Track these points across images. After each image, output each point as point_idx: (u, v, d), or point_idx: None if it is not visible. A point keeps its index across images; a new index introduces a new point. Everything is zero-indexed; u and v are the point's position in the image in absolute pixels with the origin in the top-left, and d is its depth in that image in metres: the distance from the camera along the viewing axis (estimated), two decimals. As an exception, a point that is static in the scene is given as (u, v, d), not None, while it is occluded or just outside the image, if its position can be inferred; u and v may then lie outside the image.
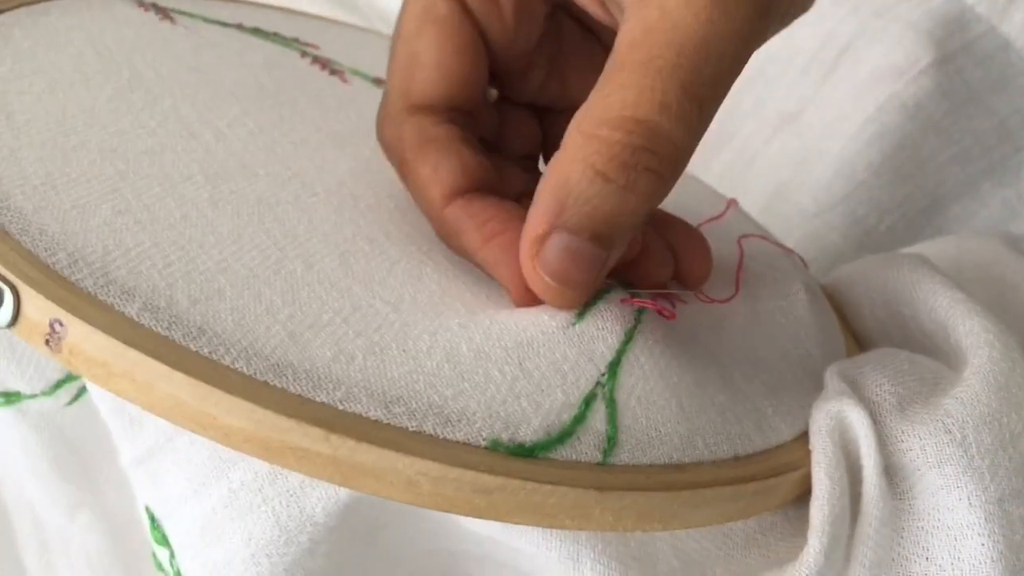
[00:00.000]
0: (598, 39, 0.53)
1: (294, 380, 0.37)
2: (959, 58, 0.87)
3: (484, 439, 0.38)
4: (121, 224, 0.42)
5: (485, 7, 0.50)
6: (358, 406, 0.37)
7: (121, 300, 0.38)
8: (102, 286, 0.38)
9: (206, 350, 0.37)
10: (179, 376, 0.36)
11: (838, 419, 0.46)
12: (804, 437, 0.46)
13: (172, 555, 0.46)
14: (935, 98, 0.86)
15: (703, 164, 0.90)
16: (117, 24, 0.57)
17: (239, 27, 0.63)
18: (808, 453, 0.45)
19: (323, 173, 0.51)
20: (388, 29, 0.51)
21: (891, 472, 0.45)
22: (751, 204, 0.83)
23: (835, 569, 0.44)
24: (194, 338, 0.38)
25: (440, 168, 0.48)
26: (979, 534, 0.44)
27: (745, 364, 0.49)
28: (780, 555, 0.45)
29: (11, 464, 0.56)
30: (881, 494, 0.44)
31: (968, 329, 0.50)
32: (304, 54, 0.63)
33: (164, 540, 0.46)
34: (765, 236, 0.62)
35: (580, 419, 0.40)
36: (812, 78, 0.91)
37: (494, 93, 0.54)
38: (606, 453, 0.40)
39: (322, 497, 0.43)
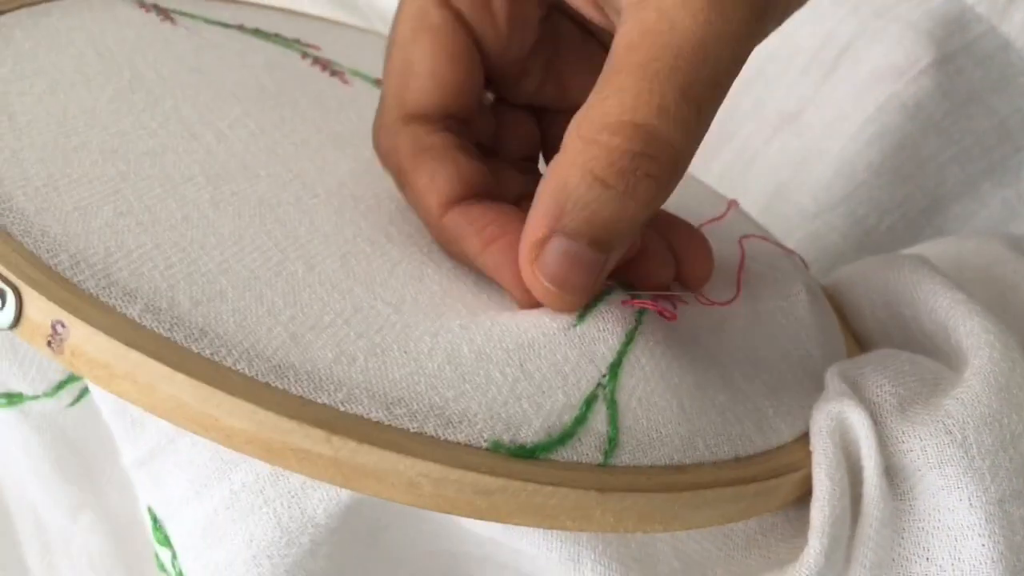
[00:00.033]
0: (596, 39, 0.53)
1: (296, 382, 0.37)
2: (959, 58, 0.87)
3: (485, 440, 0.38)
4: (123, 225, 0.42)
5: (478, 15, 0.49)
6: (360, 407, 0.37)
7: (123, 302, 0.38)
8: (104, 287, 0.38)
9: (208, 351, 0.37)
10: (181, 377, 0.36)
11: (839, 420, 0.46)
12: (805, 438, 0.47)
13: (174, 556, 0.46)
14: (935, 98, 0.87)
15: (703, 164, 0.90)
16: (118, 25, 0.57)
17: (240, 28, 0.63)
18: (809, 454, 0.45)
19: (324, 174, 0.51)
20: (388, 29, 0.51)
21: (892, 473, 0.45)
22: (751, 204, 0.83)
23: (836, 570, 0.44)
24: (196, 339, 0.38)
25: (437, 177, 0.48)
26: (980, 535, 0.44)
27: (746, 365, 0.49)
28: (781, 556, 0.45)
29: (13, 465, 0.56)
30: (882, 495, 0.44)
31: (968, 330, 0.50)
32: (305, 55, 0.63)
33: (166, 541, 0.46)
34: (766, 237, 0.62)
35: (581, 420, 0.40)
36: (812, 78, 0.91)
37: (490, 97, 0.54)
38: (607, 454, 0.40)
39: (323, 498, 0.43)
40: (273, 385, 0.37)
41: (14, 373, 0.50)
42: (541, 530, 0.43)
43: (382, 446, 0.36)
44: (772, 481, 0.44)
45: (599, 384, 0.42)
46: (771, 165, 0.89)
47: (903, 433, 0.45)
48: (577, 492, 0.38)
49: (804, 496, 0.45)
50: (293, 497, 0.43)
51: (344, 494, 0.43)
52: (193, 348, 0.37)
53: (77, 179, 0.43)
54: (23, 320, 0.38)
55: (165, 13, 0.60)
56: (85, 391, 0.52)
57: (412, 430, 0.38)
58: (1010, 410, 0.46)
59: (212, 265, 0.41)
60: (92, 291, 0.38)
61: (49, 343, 0.37)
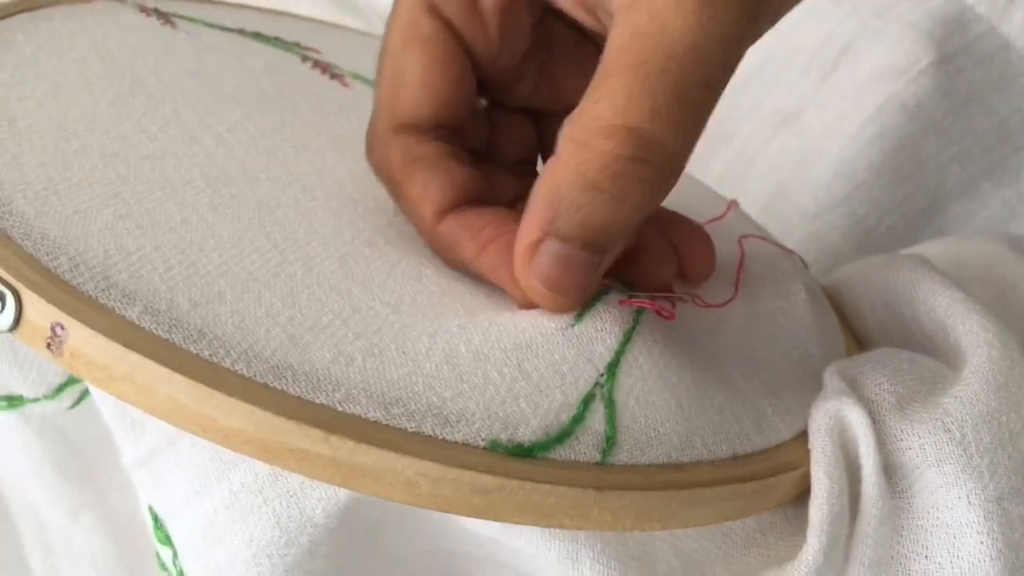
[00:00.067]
0: (590, 41, 0.53)
1: (294, 382, 0.38)
2: (959, 58, 0.87)
3: (483, 440, 0.38)
4: (122, 228, 0.42)
5: (469, 24, 0.49)
6: (357, 407, 0.38)
7: (122, 304, 0.38)
8: (103, 290, 0.39)
9: (206, 352, 0.38)
10: (179, 379, 0.36)
11: (837, 418, 0.46)
12: (803, 436, 0.47)
13: (175, 555, 0.46)
14: (935, 98, 0.87)
15: (703, 164, 0.90)
16: (119, 29, 0.57)
17: (240, 32, 0.63)
18: (807, 452, 0.45)
19: (323, 177, 0.51)
20: (387, 32, 0.51)
21: (890, 471, 0.46)
22: (751, 204, 0.83)
23: (834, 568, 0.44)
24: (194, 341, 0.38)
25: (429, 186, 0.48)
26: (978, 532, 0.44)
27: (744, 364, 0.49)
28: (780, 554, 0.46)
29: (14, 468, 0.56)
30: (880, 493, 0.44)
31: (967, 328, 0.50)
32: (305, 58, 0.63)
33: (167, 540, 0.46)
34: (765, 237, 0.62)
35: (579, 419, 0.40)
36: (812, 78, 0.91)
37: (483, 102, 0.54)
38: (605, 453, 0.40)
39: (322, 498, 0.43)
40: (271, 385, 0.37)
41: (14, 376, 0.51)
42: (539, 529, 0.43)
43: (380, 445, 0.36)
44: (770, 479, 0.44)
45: (597, 383, 0.42)
46: (771, 165, 0.89)
47: (902, 431, 0.46)
48: (575, 491, 0.38)
49: (803, 494, 0.45)
50: (292, 497, 0.43)
51: (342, 494, 0.43)
52: (192, 349, 0.38)
53: (77, 183, 0.44)
54: (23, 322, 0.38)
55: (166, 17, 0.61)
56: (85, 393, 0.52)
57: (410, 429, 0.38)
58: (1009, 408, 0.46)
59: (211, 267, 0.41)
60: (91, 293, 0.38)
61: (48, 345, 0.37)
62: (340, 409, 0.37)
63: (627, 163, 0.42)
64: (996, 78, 0.88)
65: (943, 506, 0.45)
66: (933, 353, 0.52)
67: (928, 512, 0.45)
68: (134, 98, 0.51)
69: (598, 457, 0.40)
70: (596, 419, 0.41)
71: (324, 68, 0.63)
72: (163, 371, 0.36)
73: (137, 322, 0.38)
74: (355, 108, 0.58)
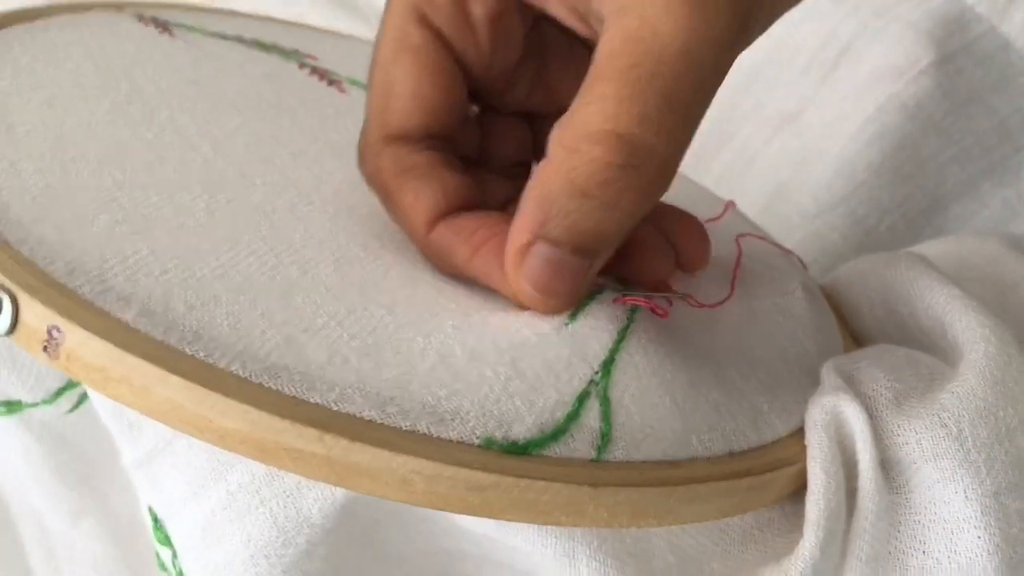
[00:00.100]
0: (584, 44, 0.52)
1: (289, 382, 0.38)
2: (959, 58, 0.87)
3: (478, 437, 0.38)
4: (119, 233, 0.42)
5: (460, 34, 0.49)
6: (352, 407, 0.38)
7: (118, 306, 0.39)
8: (99, 293, 0.39)
9: (202, 354, 0.38)
10: (175, 380, 0.36)
11: (834, 414, 0.46)
12: (800, 433, 0.47)
13: (175, 555, 0.47)
14: (935, 98, 0.87)
15: (703, 165, 0.90)
16: (117, 39, 0.57)
17: (239, 40, 0.63)
18: (804, 448, 0.46)
19: (320, 182, 0.51)
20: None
21: (887, 466, 0.46)
22: (751, 204, 0.83)
23: (831, 563, 0.44)
24: (190, 343, 0.38)
25: (422, 195, 0.48)
26: (975, 527, 0.44)
27: (741, 361, 0.49)
28: (777, 550, 0.46)
29: (15, 473, 0.56)
30: (877, 488, 0.44)
31: (965, 325, 0.50)
32: (303, 65, 0.63)
33: (167, 540, 0.47)
34: (763, 236, 0.62)
35: (574, 416, 0.41)
36: (812, 78, 0.91)
37: (475, 109, 0.54)
38: (600, 450, 0.40)
39: (318, 498, 0.43)
40: (267, 386, 0.37)
41: (12, 381, 0.51)
42: (536, 527, 0.43)
43: (374, 444, 0.37)
44: (766, 475, 0.44)
45: (592, 381, 0.42)
46: (771, 165, 0.89)
47: (899, 427, 0.46)
48: (570, 487, 0.38)
49: (800, 491, 0.45)
50: (288, 497, 0.43)
51: (338, 493, 0.43)
52: (187, 351, 0.38)
53: (74, 189, 0.44)
54: (19, 326, 0.38)
55: (164, 26, 0.61)
56: (84, 397, 0.52)
57: (405, 428, 0.38)
58: (1006, 403, 0.46)
59: (207, 270, 0.42)
60: (87, 296, 0.39)
61: (45, 348, 0.38)
62: (335, 408, 0.38)
63: (616, 170, 0.42)
64: (996, 78, 0.88)
65: (940, 501, 0.45)
66: (931, 350, 0.52)
67: (925, 507, 0.45)
68: (131, 106, 0.52)
69: (593, 454, 0.40)
70: (591, 416, 0.41)
71: (322, 74, 0.63)
72: (159, 372, 0.37)
73: (133, 324, 0.38)
74: (352, 114, 0.58)
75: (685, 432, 0.43)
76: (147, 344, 0.38)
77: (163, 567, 0.48)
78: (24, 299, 0.38)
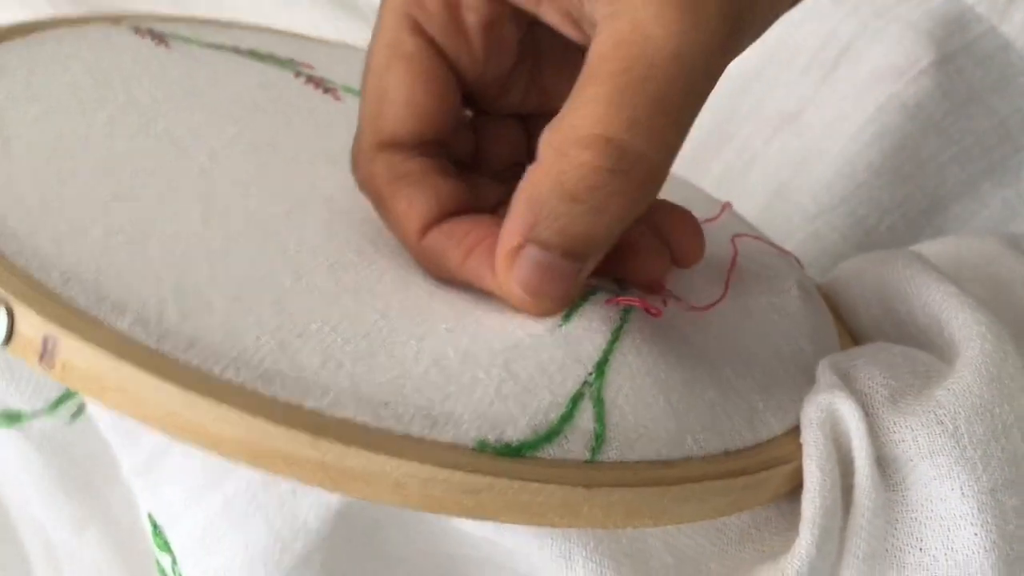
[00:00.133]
0: (579, 47, 0.52)
1: (283, 388, 0.38)
2: (959, 58, 0.87)
3: (471, 440, 0.39)
4: (113, 243, 0.42)
5: (453, 41, 0.49)
6: (346, 411, 0.38)
7: (113, 315, 0.39)
8: (94, 302, 0.39)
9: (196, 361, 0.38)
10: (170, 387, 0.37)
11: (829, 411, 0.46)
12: (796, 431, 0.47)
13: (174, 561, 0.47)
14: (935, 98, 0.87)
15: (703, 165, 0.90)
16: (113, 52, 0.58)
17: (235, 50, 0.63)
18: (799, 447, 0.46)
19: (314, 189, 0.51)
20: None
21: (884, 463, 0.46)
22: (751, 205, 0.83)
23: (828, 561, 0.44)
24: (184, 350, 0.38)
25: (415, 202, 0.48)
26: (972, 524, 0.44)
27: (736, 360, 0.49)
28: (775, 549, 0.46)
29: (17, 483, 0.56)
30: (874, 485, 0.45)
31: (961, 322, 0.50)
32: (298, 74, 0.64)
33: (166, 546, 0.47)
34: (759, 236, 0.63)
35: (567, 418, 0.41)
36: (812, 78, 0.91)
37: (469, 113, 0.54)
38: (594, 451, 0.40)
39: (314, 504, 0.43)
40: (261, 392, 0.38)
41: (12, 392, 0.51)
42: (532, 528, 0.43)
43: (368, 448, 0.37)
44: (762, 474, 0.44)
45: (585, 382, 0.42)
46: (771, 166, 0.89)
47: (895, 424, 0.46)
48: (564, 488, 0.38)
49: (797, 489, 0.45)
50: (285, 503, 0.43)
51: (335, 498, 0.43)
52: (182, 359, 0.38)
53: (69, 200, 0.44)
54: (15, 336, 0.38)
55: (160, 38, 0.61)
56: (84, 406, 0.52)
57: (398, 432, 0.38)
58: (1002, 400, 0.46)
59: (201, 278, 0.42)
60: (82, 306, 0.39)
61: (41, 358, 0.38)
62: (329, 413, 0.38)
63: (605, 175, 0.42)
64: (996, 78, 0.88)
65: (937, 498, 0.45)
66: (927, 348, 0.52)
67: (922, 504, 0.45)
68: (127, 117, 0.52)
69: (587, 455, 0.40)
70: (585, 417, 0.41)
71: (317, 83, 0.63)
72: (154, 381, 0.37)
73: (128, 333, 0.38)
74: (347, 121, 0.58)
75: (680, 431, 0.43)
76: (142, 352, 0.38)
77: (163, 573, 0.48)
78: (19, 310, 0.38)
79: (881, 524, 0.45)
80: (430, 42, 0.49)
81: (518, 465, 0.39)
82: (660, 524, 0.42)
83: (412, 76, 0.49)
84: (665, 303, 0.49)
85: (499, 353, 0.42)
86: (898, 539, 0.45)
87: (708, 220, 0.59)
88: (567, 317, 0.45)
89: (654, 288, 0.51)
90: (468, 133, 0.53)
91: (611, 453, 0.41)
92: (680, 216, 0.52)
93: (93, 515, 0.56)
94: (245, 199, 0.48)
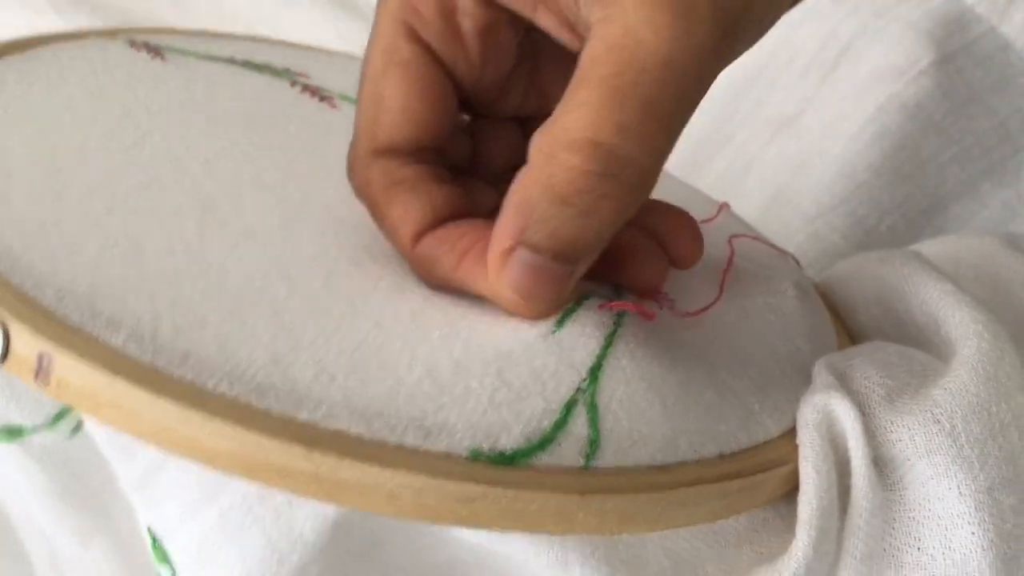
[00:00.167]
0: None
1: (276, 401, 0.38)
2: (959, 58, 0.88)
3: (465, 449, 0.39)
4: (108, 259, 0.42)
5: (450, 48, 0.49)
6: (340, 423, 0.38)
7: (107, 332, 0.39)
8: (88, 319, 0.39)
9: (190, 376, 0.38)
10: (164, 402, 0.37)
11: (825, 412, 0.46)
12: (792, 433, 0.47)
13: (173, 574, 0.47)
14: (935, 98, 0.87)
15: (703, 167, 0.91)
16: (109, 66, 0.58)
17: (230, 61, 0.64)
18: (795, 448, 0.46)
19: (309, 198, 0.52)
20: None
21: (881, 463, 0.46)
22: (751, 207, 0.83)
23: (826, 562, 0.44)
24: (178, 365, 0.38)
25: (409, 209, 0.48)
26: (969, 523, 0.44)
27: (732, 361, 0.49)
28: (772, 551, 0.46)
29: (21, 497, 0.56)
30: (871, 485, 0.45)
31: (958, 320, 0.50)
32: (294, 83, 0.64)
33: (165, 559, 0.47)
34: (757, 237, 0.63)
35: (561, 425, 0.41)
36: (811, 80, 0.91)
37: (466, 117, 0.54)
38: (588, 457, 0.41)
39: (310, 515, 0.43)
40: (254, 405, 0.38)
41: (12, 407, 0.51)
42: (528, 535, 0.43)
43: (361, 460, 0.37)
44: (758, 476, 0.44)
45: (579, 388, 0.42)
46: (771, 167, 0.90)
47: (891, 423, 0.46)
48: (558, 496, 0.39)
49: (794, 491, 0.45)
50: (281, 515, 0.43)
51: (331, 510, 0.43)
52: (176, 373, 0.38)
53: (64, 216, 0.44)
54: (11, 354, 0.39)
55: (156, 51, 0.61)
56: (83, 421, 0.53)
57: (392, 443, 0.38)
58: (999, 399, 0.47)
59: (195, 292, 0.42)
60: (77, 323, 0.39)
61: (36, 375, 0.38)
62: (323, 426, 0.38)
63: (594, 178, 0.42)
64: (996, 78, 0.88)
65: (934, 497, 0.45)
66: (925, 346, 0.52)
67: (919, 504, 0.45)
68: (122, 131, 0.52)
69: (581, 462, 0.40)
70: (578, 424, 0.41)
71: (313, 91, 0.64)
72: (148, 396, 0.37)
73: (122, 349, 0.39)
74: (343, 129, 0.58)
75: (674, 435, 0.43)
76: (136, 368, 0.38)
77: (162, 584, 0.49)
78: (14, 327, 0.38)
79: (879, 524, 0.45)
80: (426, 49, 0.49)
81: (512, 473, 0.39)
82: (655, 529, 0.42)
83: (408, 83, 0.48)
84: (661, 306, 0.49)
85: (492, 361, 0.42)
86: (896, 539, 0.45)
87: (705, 221, 0.59)
88: (560, 323, 0.45)
89: (653, 295, 0.51)
90: (465, 137, 0.53)
91: (606, 459, 0.41)
92: (677, 217, 0.52)
93: (97, 526, 0.56)
94: (240, 210, 0.48)
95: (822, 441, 0.45)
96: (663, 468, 0.42)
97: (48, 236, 0.43)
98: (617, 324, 0.46)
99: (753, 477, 0.44)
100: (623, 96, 0.41)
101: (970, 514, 0.44)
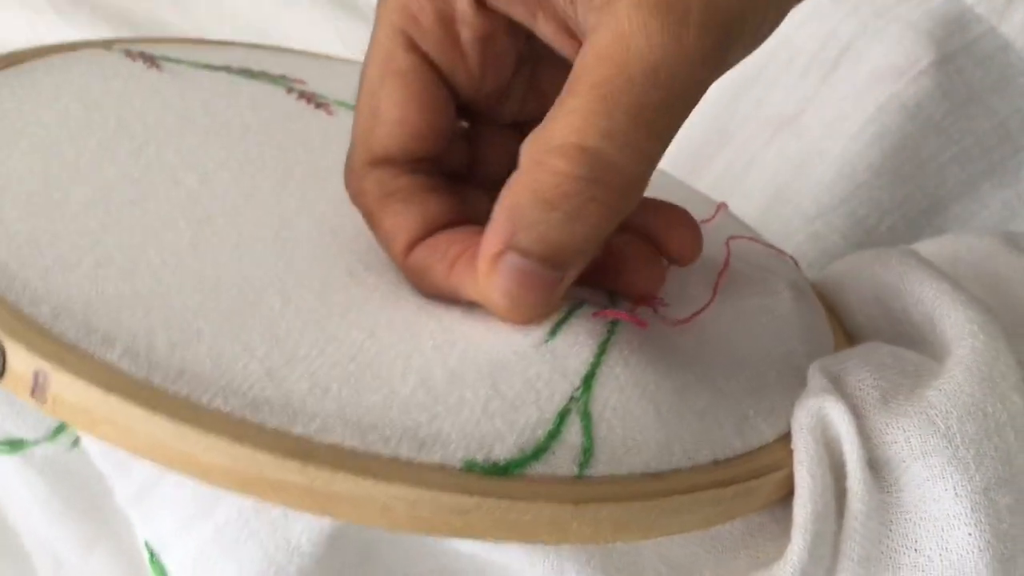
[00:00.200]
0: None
1: (271, 415, 0.38)
2: (959, 58, 0.88)
3: (459, 460, 0.39)
4: (103, 275, 0.43)
5: (448, 58, 0.49)
6: (334, 436, 0.38)
7: (102, 348, 0.39)
8: (84, 336, 0.39)
9: (185, 391, 0.38)
10: (158, 419, 0.37)
11: (819, 416, 0.46)
12: (787, 437, 0.47)
13: None
14: (935, 98, 0.87)
15: (703, 167, 0.91)
16: (104, 77, 0.58)
17: (227, 69, 0.64)
18: (791, 453, 0.46)
19: (304, 209, 0.52)
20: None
21: (876, 466, 0.46)
22: (751, 207, 0.83)
23: (822, 566, 0.44)
24: (173, 381, 0.39)
25: (404, 218, 0.48)
26: (966, 524, 0.44)
27: (727, 364, 0.49)
28: (769, 555, 0.46)
29: (24, 508, 0.56)
30: (866, 488, 0.45)
31: (953, 320, 0.50)
32: (290, 90, 0.64)
33: (163, 573, 0.47)
34: (754, 237, 0.63)
35: (554, 434, 0.41)
36: (811, 80, 0.91)
37: (464, 124, 0.54)
38: (582, 466, 0.41)
39: (306, 527, 0.43)
40: (249, 420, 0.38)
41: (13, 420, 0.51)
42: (524, 545, 0.43)
43: (356, 473, 0.37)
44: (753, 482, 0.44)
45: (572, 397, 0.43)
46: (771, 167, 0.90)
47: (886, 425, 0.46)
48: (552, 506, 0.39)
49: (790, 495, 0.45)
50: (277, 528, 0.43)
51: (327, 521, 0.43)
52: (170, 389, 0.38)
53: (59, 233, 0.44)
54: (7, 372, 0.39)
55: (152, 60, 0.61)
56: (82, 434, 0.53)
57: (386, 455, 0.38)
58: (994, 399, 0.47)
59: (190, 307, 0.42)
60: (72, 340, 0.39)
61: (32, 392, 0.38)
62: (317, 439, 0.38)
63: (578, 183, 0.42)
64: (996, 78, 0.88)
65: (930, 499, 0.45)
66: (921, 345, 0.52)
67: (915, 505, 0.45)
68: (118, 144, 0.52)
69: (575, 471, 0.40)
70: (572, 433, 0.41)
71: (309, 98, 0.64)
72: (142, 412, 0.37)
73: (117, 366, 0.39)
74: (340, 136, 0.58)
75: (668, 442, 0.43)
76: (131, 384, 0.38)
77: (160, 599, 0.49)
78: (10, 345, 0.39)
79: (875, 526, 0.45)
80: (424, 59, 0.49)
81: (506, 484, 0.39)
82: (650, 537, 0.42)
83: (405, 94, 0.48)
84: (655, 311, 0.50)
85: (485, 371, 0.42)
86: (893, 541, 0.45)
87: (704, 221, 0.59)
88: (554, 332, 0.45)
89: (650, 301, 0.51)
90: (463, 144, 0.53)
91: (600, 468, 0.41)
92: (673, 214, 0.52)
93: (99, 536, 0.57)
94: (235, 223, 0.49)
95: (816, 445, 0.45)
96: (657, 475, 0.42)
97: (43, 253, 0.43)
98: (611, 332, 0.46)
99: (748, 483, 0.44)
100: (611, 102, 0.41)
101: (966, 515, 0.44)
